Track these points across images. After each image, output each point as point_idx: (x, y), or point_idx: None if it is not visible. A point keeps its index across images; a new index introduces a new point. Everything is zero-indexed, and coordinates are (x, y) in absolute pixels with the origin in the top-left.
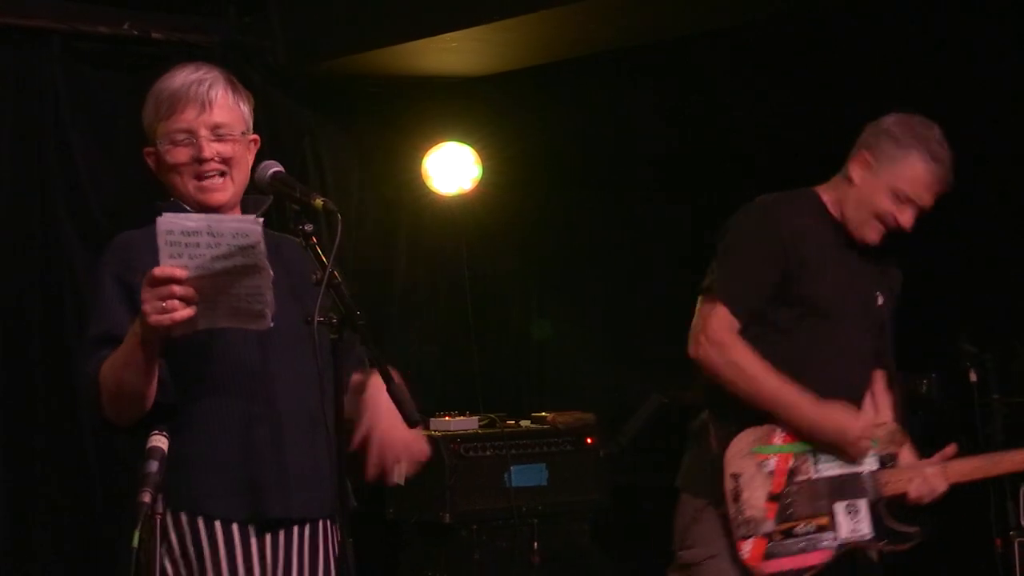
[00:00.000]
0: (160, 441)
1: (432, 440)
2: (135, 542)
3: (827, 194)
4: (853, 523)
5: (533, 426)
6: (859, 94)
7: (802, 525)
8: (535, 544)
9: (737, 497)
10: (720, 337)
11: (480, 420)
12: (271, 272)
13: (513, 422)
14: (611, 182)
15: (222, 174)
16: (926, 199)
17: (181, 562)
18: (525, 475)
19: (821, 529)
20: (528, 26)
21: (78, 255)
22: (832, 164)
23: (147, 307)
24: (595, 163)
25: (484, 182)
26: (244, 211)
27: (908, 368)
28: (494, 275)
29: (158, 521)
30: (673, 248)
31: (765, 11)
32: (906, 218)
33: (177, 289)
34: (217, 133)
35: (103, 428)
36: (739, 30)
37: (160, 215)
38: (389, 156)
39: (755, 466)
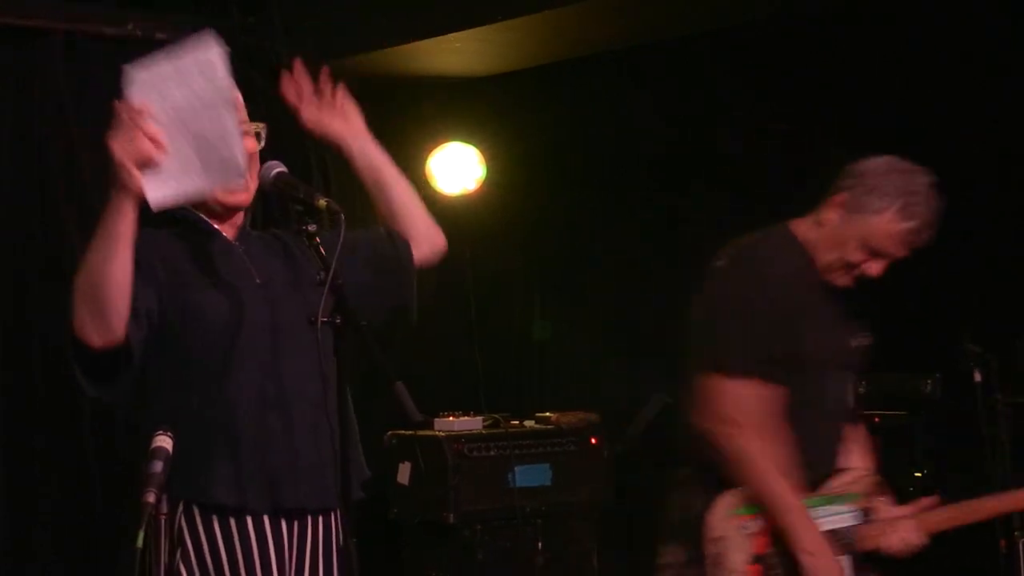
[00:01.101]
0: (164, 441)
1: (436, 440)
2: (139, 543)
3: (802, 232)
4: None
5: (537, 426)
6: (859, 94)
7: None
8: (539, 544)
9: (718, 562)
10: (734, 417)
11: (484, 420)
12: (241, 112)
13: (517, 422)
14: (613, 182)
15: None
16: (900, 253)
17: (195, 563)
18: (529, 475)
19: None
20: (531, 26)
21: (79, 256)
22: (832, 165)
23: (116, 147)
24: (597, 163)
25: (488, 182)
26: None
27: (911, 368)
28: (497, 275)
29: (163, 521)
30: (675, 248)
31: (765, 11)
32: (875, 269)
33: (144, 124)
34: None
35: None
36: (739, 30)
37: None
38: (393, 156)
39: (735, 528)
